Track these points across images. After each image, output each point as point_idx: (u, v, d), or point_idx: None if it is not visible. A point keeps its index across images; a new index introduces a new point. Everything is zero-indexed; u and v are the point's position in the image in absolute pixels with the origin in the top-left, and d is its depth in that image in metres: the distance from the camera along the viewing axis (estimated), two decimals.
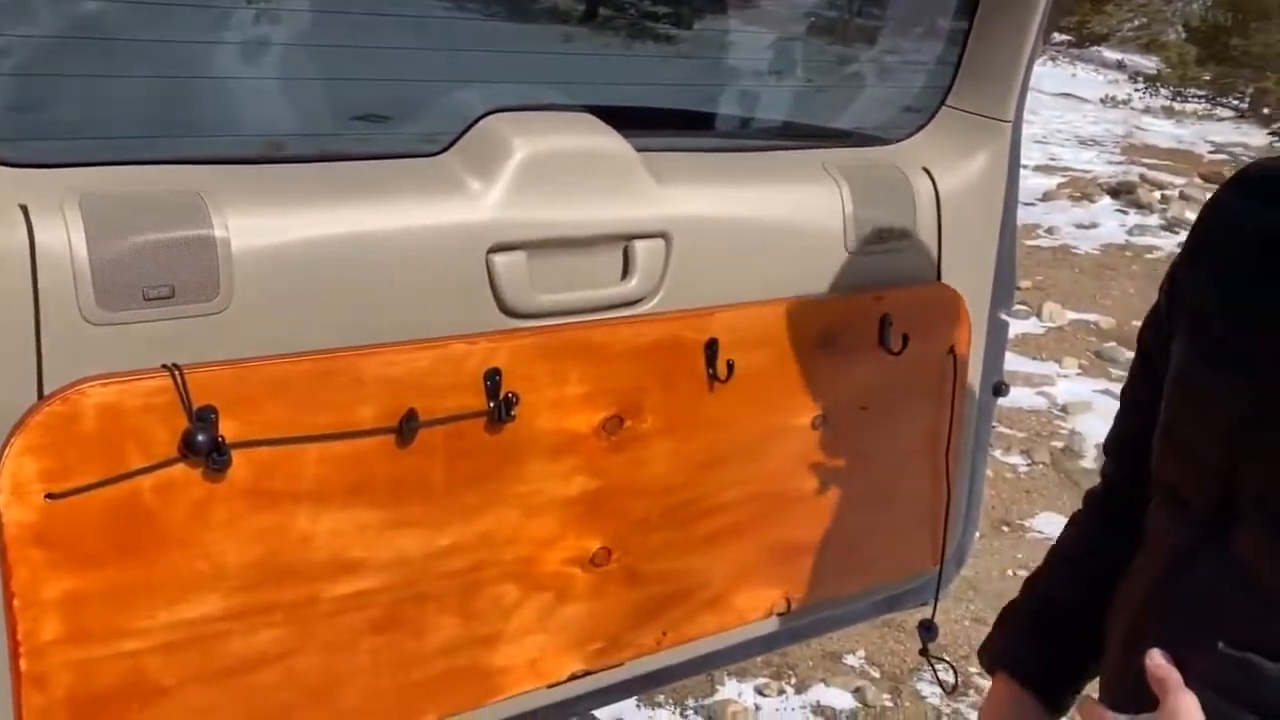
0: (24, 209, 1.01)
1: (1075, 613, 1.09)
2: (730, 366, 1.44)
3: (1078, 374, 5.48)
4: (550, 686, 1.44)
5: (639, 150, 1.41)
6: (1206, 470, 0.92)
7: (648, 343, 1.40)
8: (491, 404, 1.28)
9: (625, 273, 1.40)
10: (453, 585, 1.32)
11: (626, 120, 1.45)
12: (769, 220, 1.50)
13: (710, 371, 1.45)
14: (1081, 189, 9.08)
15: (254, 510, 1.16)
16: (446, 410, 1.25)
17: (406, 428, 1.22)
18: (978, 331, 1.71)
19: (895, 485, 1.67)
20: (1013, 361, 5.41)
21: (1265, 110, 14.98)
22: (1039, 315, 6.17)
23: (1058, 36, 28.17)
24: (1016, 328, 5.91)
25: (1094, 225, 8.15)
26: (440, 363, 1.25)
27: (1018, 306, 6.21)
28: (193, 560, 1.14)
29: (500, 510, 1.32)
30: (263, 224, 1.14)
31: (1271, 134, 14.21)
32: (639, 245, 1.39)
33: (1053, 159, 10.91)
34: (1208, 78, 15.91)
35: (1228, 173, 8.81)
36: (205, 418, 1.10)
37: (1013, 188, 1.70)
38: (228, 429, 1.12)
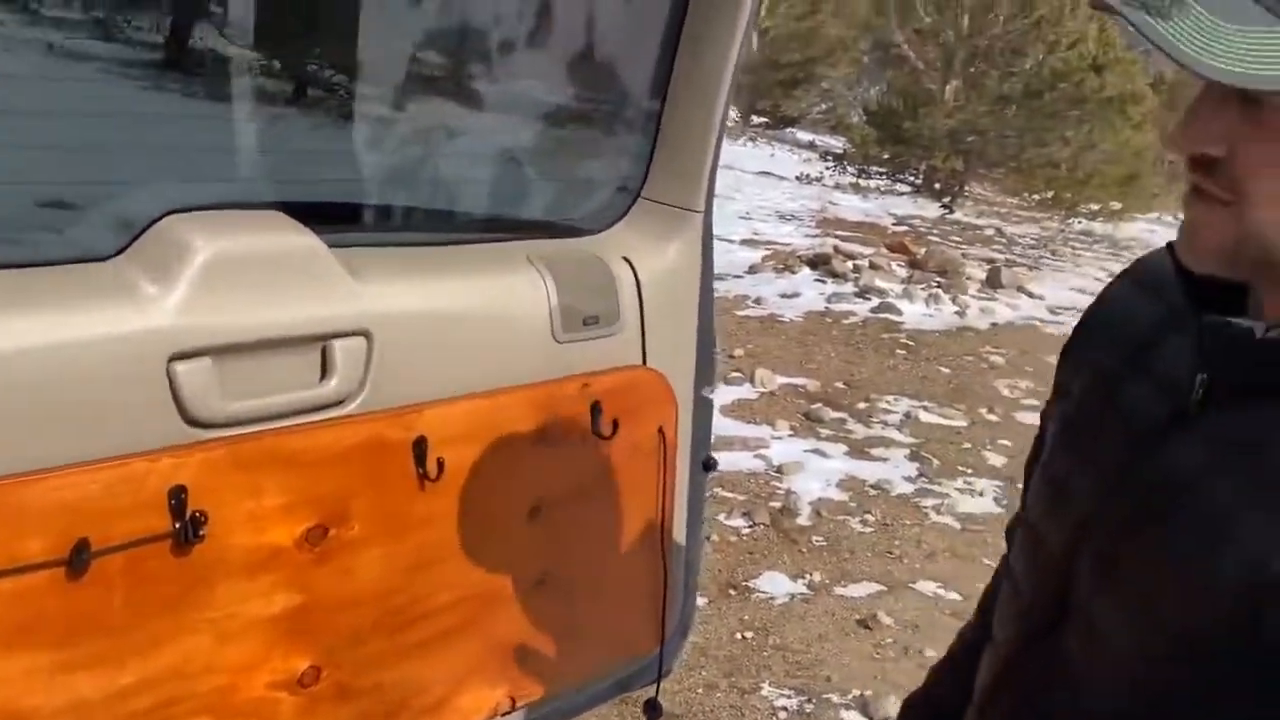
0: None
1: (955, 715, 1.04)
2: (440, 464, 1.42)
3: (790, 435, 5.78)
4: None
5: (336, 246, 1.38)
6: (1048, 563, 0.90)
7: (351, 446, 1.35)
8: (177, 524, 1.19)
9: (324, 374, 1.35)
10: None
11: (323, 216, 1.41)
12: (474, 313, 1.50)
13: (420, 471, 1.42)
14: (784, 261, 9.69)
15: None
16: (126, 535, 1.15)
17: (78, 558, 1.11)
18: (684, 410, 1.77)
19: (613, 569, 1.69)
20: (731, 427, 5.66)
21: (936, 185, 16.63)
22: (752, 381, 6.49)
23: (756, 119, 30.26)
24: (733, 394, 6.19)
25: (797, 294, 8.71)
26: (117, 484, 1.15)
27: (733, 374, 6.52)
28: None
29: (193, 638, 1.22)
30: None
31: (943, 206, 15.80)
32: (337, 345, 1.35)
33: (757, 233, 11.61)
34: (886, 156, 17.48)
35: (909, 242, 9.63)
36: None
37: (707, 272, 1.78)
38: None
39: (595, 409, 1.60)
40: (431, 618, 1.46)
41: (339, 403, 1.36)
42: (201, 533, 1.20)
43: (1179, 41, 0.69)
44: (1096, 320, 1.01)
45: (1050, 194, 16.66)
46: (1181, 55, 0.69)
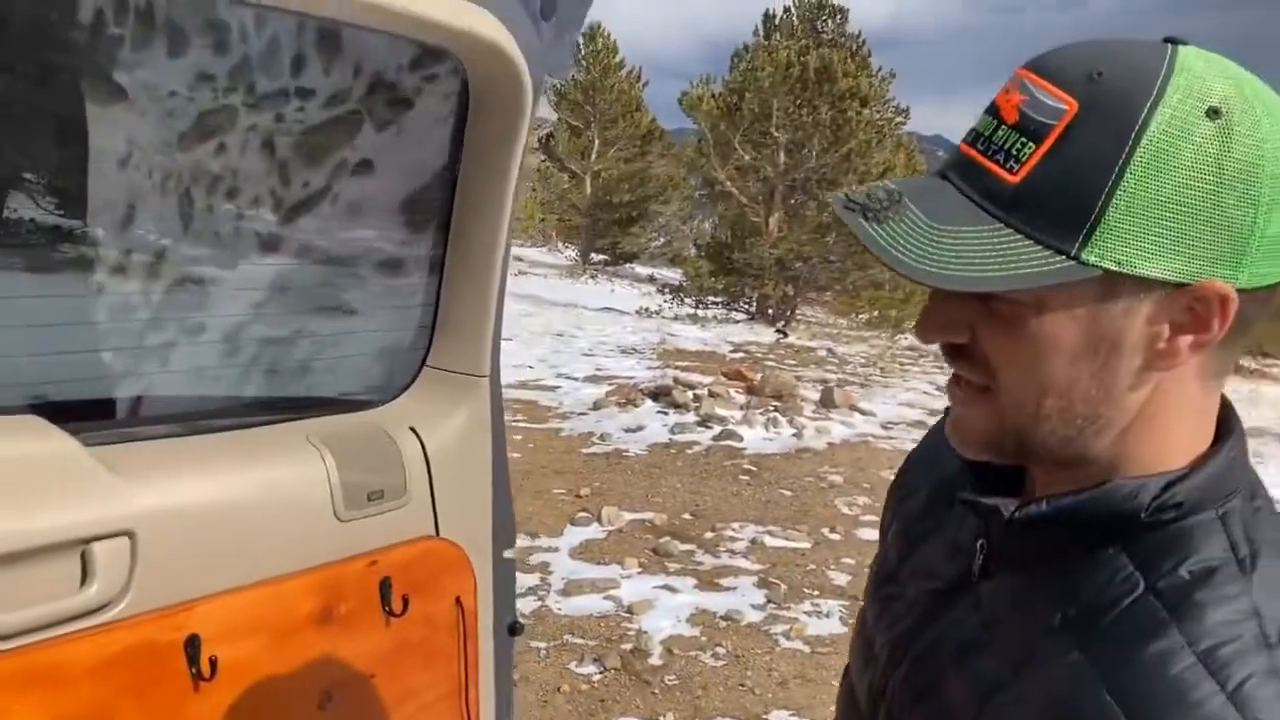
0: None
1: None
2: (214, 662, 1.36)
3: (639, 572, 5.76)
4: None
5: (96, 445, 1.34)
6: (871, 683, 0.94)
7: (115, 653, 1.29)
8: None
9: (84, 580, 1.29)
10: None
11: (82, 414, 1.37)
12: (248, 500, 1.47)
13: (194, 671, 1.36)
14: (626, 395, 9.82)
15: None
16: None
17: None
18: (484, 576, 1.75)
19: None
20: (580, 569, 5.61)
21: (769, 311, 17.30)
22: (599, 520, 6.48)
23: (596, 256, 31.04)
24: (581, 534, 6.17)
25: (640, 428, 8.81)
26: None
27: (580, 514, 6.50)
28: None
29: None
30: None
31: (777, 331, 16.40)
32: (98, 547, 1.30)
33: (599, 369, 11.76)
34: (720, 286, 18.14)
35: (745, 370, 9.89)
36: None
37: (499, 434, 1.79)
38: None
39: (385, 585, 1.57)
40: None
41: (101, 608, 1.30)
42: None
43: (893, 247, 0.73)
44: (913, 462, 1.05)
45: (875, 313, 17.50)
46: (896, 262, 0.73)
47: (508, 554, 1.83)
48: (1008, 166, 0.73)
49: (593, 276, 25.55)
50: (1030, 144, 0.72)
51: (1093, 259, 0.71)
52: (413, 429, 1.68)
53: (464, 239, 1.70)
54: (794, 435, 8.90)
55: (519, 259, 21.31)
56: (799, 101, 17.41)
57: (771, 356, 14.28)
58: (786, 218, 17.74)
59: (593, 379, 11.07)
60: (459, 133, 1.64)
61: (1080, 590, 0.76)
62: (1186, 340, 0.74)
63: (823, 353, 15.22)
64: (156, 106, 1.46)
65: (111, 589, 1.31)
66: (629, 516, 6.60)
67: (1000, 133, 0.74)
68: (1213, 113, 0.70)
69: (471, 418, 1.75)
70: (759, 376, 10.63)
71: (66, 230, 1.50)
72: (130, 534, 1.33)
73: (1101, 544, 0.77)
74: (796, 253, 17.07)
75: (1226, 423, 0.81)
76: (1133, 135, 0.70)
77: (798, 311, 17.69)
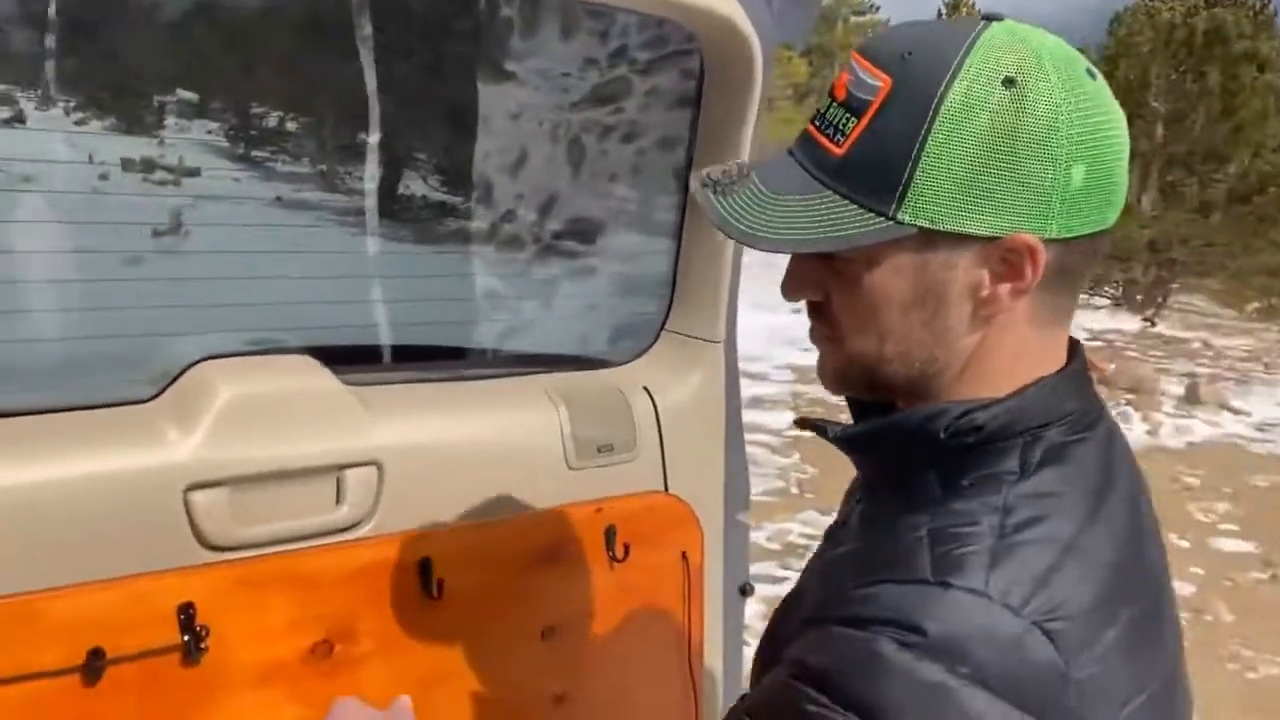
0: None
1: None
2: (441, 585, 1.51)
3: None
4: None
5: (356, 385, 1.53)
6: None
7: (358, 567, 1.47)
8: (186, 638, 1.32)
9: (337, 500, 1.48)
10: None
11: (347, 358, 1.57)
12: (485, 444, 1.61)
13: (425, 592, 1.52)
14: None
15: None
16: (137, 647, 1.30)
17: (91, 666, 1.26)
18: (713, 536, 1.80)
19: (635, 691, 1.72)
20: None
21: (1138, 297, 15.90)
22: None
23: None
24: None
25: None
26: (129, 600, 1.30)
27: None
28: None
29: None
30: None
31: (1144, 320, 15.06)
32: (350, 474, 1.48)
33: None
34: None
35: (1098, 360, 9.23)
36: None
37: (733, 399, 1.84)
38: None
39: (609, 532, 1.66)
40: None
41: (350, 527, 1.48)
42: (204, 645, 1.33)
43: (731, 216, 0.85)
44: None
45: (1268, 302, 15.62)
46: (731, 229, 0.85)
47: (741, 517, 1.87)
48: (835, 140, 0.83)
49: None
50: (853, 119, 0.82)
51: (906, 218, 0.80)
52: (646, 389, 1.76)
53: (699, 210, 1.75)
54: (1148, 433, 8.21)
55: None
56: (1182, 68, 15.83)
57: (1134, 347, 13.16)
58: (1162, 196, 16.21)
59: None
60: (696, 104, 1.70)
61: (902, 502, 0.86)
62: (1005, 288, 0.83)
63: (1196, 345, 13.82)
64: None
65: (359, 511, 1.49)
66: None
67: (832, 110, 0.84)
68: (1008, 82, 0.79)
69: (705, 382, 1.80)
70: (1112, 367, 9.86)
71: (356, 203, 1.72)
72: (378, 464, 1.50)
73: (920, 465, 0.87)
74: (1173, 234, 15.57)
75: (1070, 363, 0.89)
76: (932, 106, 0.78)
77: (1170, 299, 16.14)
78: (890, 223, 0.81)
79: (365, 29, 1.57)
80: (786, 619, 0.98)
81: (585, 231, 1.85)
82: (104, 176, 1.81)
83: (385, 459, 1.51)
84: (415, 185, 1.98)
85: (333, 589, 1.45)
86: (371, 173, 1.73)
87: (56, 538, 1.28)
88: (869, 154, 0.81)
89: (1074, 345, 0.92)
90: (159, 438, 1.37)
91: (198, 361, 1.45)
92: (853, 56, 0.84)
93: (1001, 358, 0.86)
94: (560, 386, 1.71)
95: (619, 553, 1.66)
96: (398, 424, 1.54)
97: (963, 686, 0.73)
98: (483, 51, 1.71)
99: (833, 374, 0.92)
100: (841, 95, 0.83)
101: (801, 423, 0.99)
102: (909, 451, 0.87)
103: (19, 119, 1.75)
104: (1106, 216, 0.84)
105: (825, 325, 0.90)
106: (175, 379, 1.43)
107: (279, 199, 1.96)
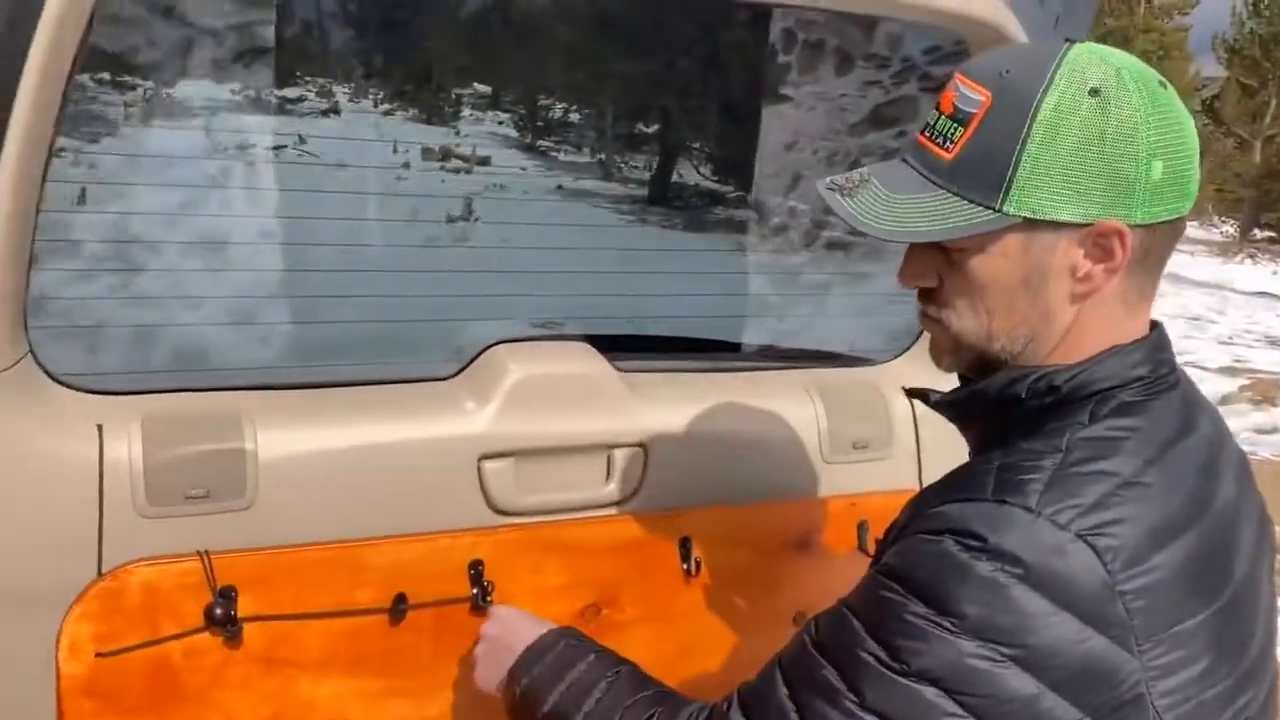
0: (99, 427, 1.34)
1: None
2: (699, 563, 1.62)
3: None
4: None
5: (630, 372, 1.66)
6: None
7: (624, 539, 1.60)
8: (475, 591, 1.50)
9: (606, 478, 1.62)
10: None
11: (622, 347, 1.70)
12: (744, 433, 1.70)
13: (684, 567, 1.63)
14: (1265, 392, 8.68)
15: (264, 676, 1.40)
16: (434, 595, 1.48)
17: (397, 609, 1.46)
18: None
19: None
20: None
21: None
22: None
23: (1258, 234, 27.30)
24: None
25: (1276, 430, 7.76)
26: (429, 553, 1.48)
27: None
28: (212, 716, 1.38)
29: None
30: (287, 438, 1.43)
31: None
32: (618, 454, 1.62)
33: (1238, 360, 10.50)
34: None
35: None
36: (226, 595, 1.36)
37: None
38: (245, 605, 1.37)
39: (862, 527, 1.72)
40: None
41: (617, 503, 1.62)
42: (490, 599, 1.49)
43: (859, 213, 0.99)
44: None
45: None
46: (860, 224, 0.98)
47: None
48: (945, 147, 0.98)
49: (1251, 256, 22.57)
50: (960, 128, 0.97)
51: (1011, 210, 0.95)
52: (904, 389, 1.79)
53: None
54: None
55: None
56: None
57: None
58: None
59: (1227, 370, 9.92)
60: None
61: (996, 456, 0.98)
62: (1099, 268, 0.97)
63: None
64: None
65: (626, 489, 1.62)
66: None
67: (941, 122, 0.99)
68: (1094, 92, 0.93)
69: None
70: None
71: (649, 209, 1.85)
72: (645, 446, 1.63)
73: (1007, 423, 1.01)
74: None
75: (1150, 335, 1.03)
76: (1030, 114, 0.93)
77: None
78: (998, 214, 0.95)
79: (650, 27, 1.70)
80: (885, 544, 1.12)
81: (852, 237, 1.90)
82: (406, 165, 2.04)
83: (651, 441, 1.63)
84: (691, 177, 2.09)
85: (601, 558, 1.59)
86: (648, 165, 1.86)
87: (373, 493, 1.48)
88: (976, 157, 0.96)
89: (1155, 324, 1.05)
90: (459, 411, 1.54)
91: (492, 345, 1.62)
92: (955, 77, 0.99)
93: (1092, 332, 1.00)
94: (819, 382, 1.78)
95: (870, 548, 1.71)
96: (663, 410, 1.66)
97: (1013, 583, 0.88)
98: (766, 78, 1.80)
99: (946, 353, 1.06)
100: (948, 109, 0.98)
101: (910, 392, 1.17)
102: (998, 412, 1.02)
103: (334, 110, 2.00)
104: (1183, 205, 0.98)
105: (937, 309, 1.04)
106: (473, 360, 1.61)
107: (560, 187, 2.12)
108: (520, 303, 1.79)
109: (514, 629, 1.33)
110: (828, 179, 1.04)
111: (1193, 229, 20.76)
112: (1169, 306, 13.37)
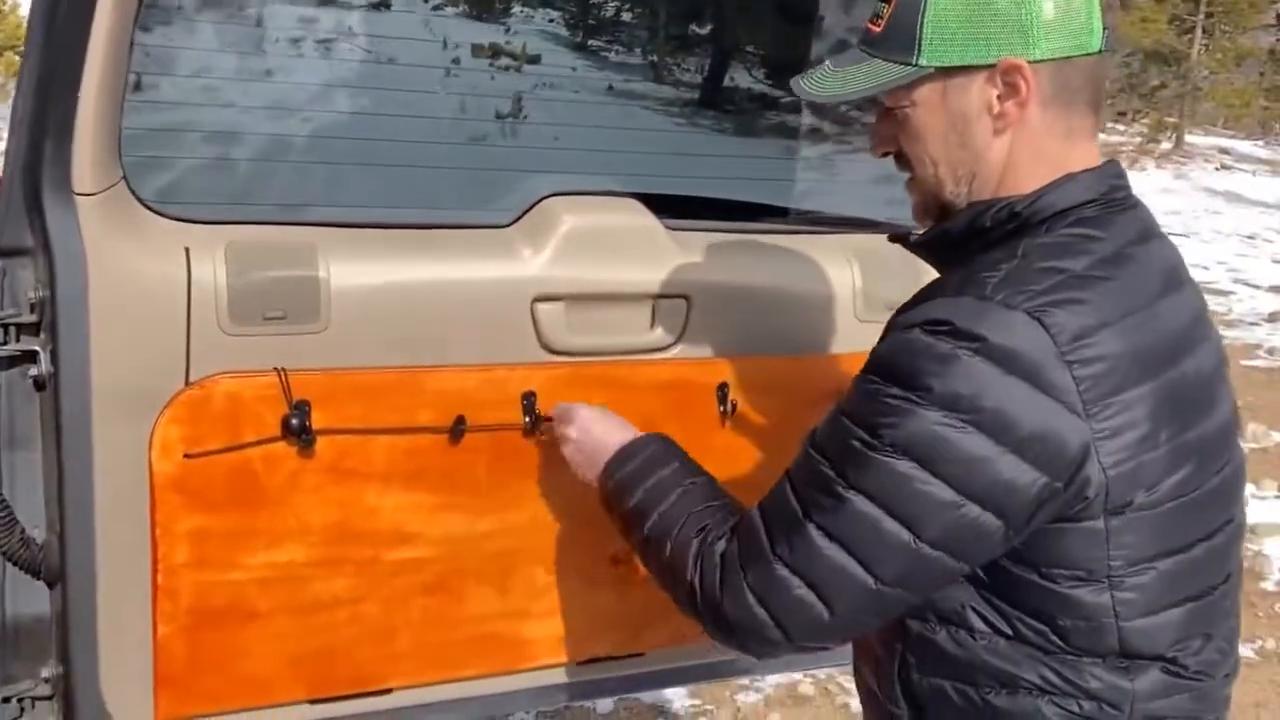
0: (187, 250, 1.45)
1: None
2: (734, 406, 1.73)
3: (1274, 496, 5.24)
4: (577, 664, 1.73)
5: (677, 230, 1.75)
6: None
7: (664, 380, 1.71)
8: (527, 419, 1.62)
9: (651, 325, 1.72)
10: (491, 563, 1.65)
11: (671, 207, 1.79)
12: (782, 290, 1.79)
13: (721, 410, 1.74)
14: None
15: (334, 483, 1.54)
16: (490, 420, 1.60)
17: (456, 430, 1.58)
18: None
19: None
20: None
21: None
22: (1241, 436, 5.91)
23: None
24: None
25: None
26: (486, 383, 1.60)
27: None
28: (285, 517, 1.52)
29: (531, 506, 1.65)
30: (358, 270, 1.55)
31: None
32: (662, 303, 1.72)
33: None
34: None
35: None
36: (300, 409, 1.49)
37: None
38: (317, 419, 1.50)
39: None
40: None
41: (659, 348, 1.72)
42: (542, 429, 1.61)
43: (807, 86, 1.21)
44: None
45: None
46: (803, 93, 1.21)
47: None
48: (876, 23, 1.15)
49: None
50: (886, 5, 1.14)
51: (924, 62, 1.11)
52: None
53: None
54: None
55: (1225, 151, 18.95)
56: None
57: None
58: None
59: (1278, 289, 9.80)
60: None
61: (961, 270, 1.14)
62: (1011, 104, 1.11)
63: None
64: None
65: (669, 336, 1.73)
66: (1278, 438, 5.94)
67: (878, 5, 1.16)
68: None
69: None
70: None
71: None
72: (688, 297, 1.72)
73: (981, 250, 1.13)
74: None
75: (1100, 168, 1.14)
76: None
77: None
78: (914, 68, 1.11)
79: None
80: None
81: None
82: (455, 61, 2.10)
83: (694, 293, 1.73)
84: (745, 80, 2.12)
85: (644, 395, 1.70)
86: (700, 67, 1.91)
87: (435, 326, 1.59)
88: (895, 24, 1.12)
89: (1110, 161, 1.16)
90: (515, 256, 1.65)
91: (547, 196, 1.72)
92: None
93: (1027, 164, 1.13)
94: (855, 246, 1.86)
95: None
96: (707, 264, 1.75)
97: (968, 356, 1.02)
98: None
99: (917, 208, 1.23)
100: None
101: (891, 238, 1.32)
102: (968, 245, 1.14)
103: (385, 3, 2.06)
104: (1088, 42, 1.10)
105: (906, 172, 1.20)
106: (529, 209, 1.71)
107: (610, 88, 2.17)
108: (578, 161, 1.88)
109: (599, 429, 1.46)
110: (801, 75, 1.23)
111: (1255, 148, 20.16)
112: (1225, 224, 13.13)
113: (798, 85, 1.21)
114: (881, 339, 1.16)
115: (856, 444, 1.08)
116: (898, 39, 1.12)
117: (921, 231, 1.25)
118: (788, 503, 1.14)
